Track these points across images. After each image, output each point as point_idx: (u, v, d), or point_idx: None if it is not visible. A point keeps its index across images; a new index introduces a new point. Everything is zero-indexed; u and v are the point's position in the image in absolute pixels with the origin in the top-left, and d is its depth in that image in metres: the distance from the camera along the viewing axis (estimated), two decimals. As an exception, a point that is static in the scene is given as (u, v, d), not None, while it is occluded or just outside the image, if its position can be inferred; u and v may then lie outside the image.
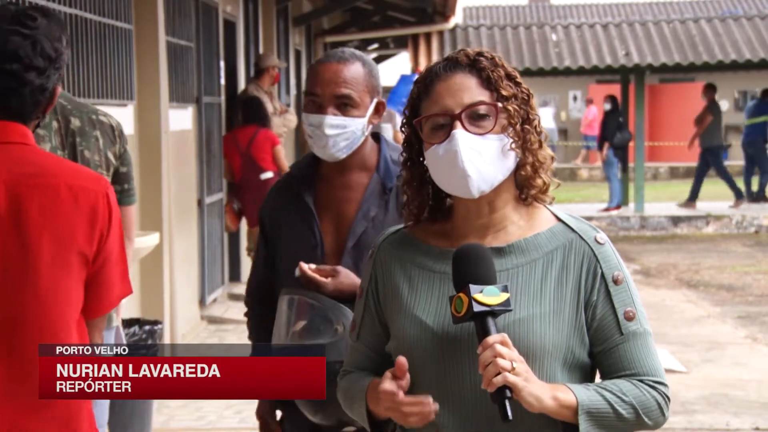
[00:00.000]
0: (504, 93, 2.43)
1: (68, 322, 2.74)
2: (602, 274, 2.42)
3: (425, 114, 2.45)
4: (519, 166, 2.44)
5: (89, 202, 2.76)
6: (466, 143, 2.39)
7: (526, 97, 2.46)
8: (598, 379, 2.47)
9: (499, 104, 2.42)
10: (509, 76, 2.46)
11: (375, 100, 3.33)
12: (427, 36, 18.47)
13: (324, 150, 3.28)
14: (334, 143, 3.26)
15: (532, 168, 2.44)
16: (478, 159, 2.39)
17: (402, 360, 2.35)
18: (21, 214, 2.70)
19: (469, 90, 2.42)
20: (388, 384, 2.36)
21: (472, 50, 2.48)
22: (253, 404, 3.52)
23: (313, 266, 3.21)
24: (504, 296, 2.31)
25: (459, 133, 2.39)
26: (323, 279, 3.19)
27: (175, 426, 7.09)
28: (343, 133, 3.26)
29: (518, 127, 2.43)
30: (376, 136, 3.41)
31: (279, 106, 11.63)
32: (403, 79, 17.38)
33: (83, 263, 2.74)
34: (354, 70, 3.29)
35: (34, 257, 2.70)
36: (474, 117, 2.41)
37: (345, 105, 3.26)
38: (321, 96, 3.27)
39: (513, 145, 2.42)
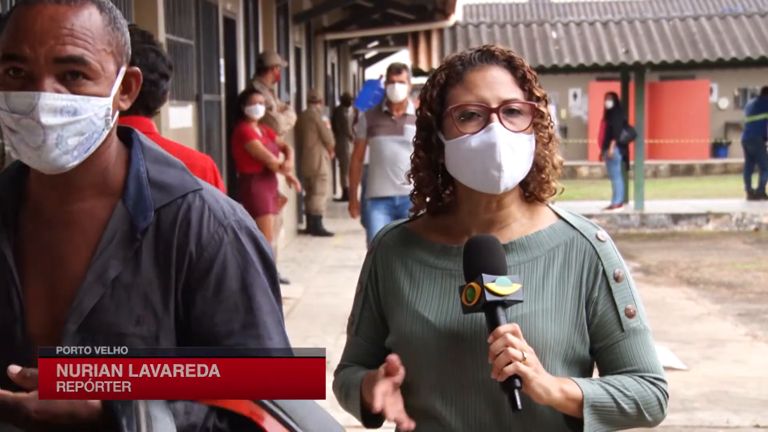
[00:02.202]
0: (537, 94, 2.43)
1: None
2: (603, 272, 2.43)
3: (457, 101, 2.41)
4: (539, 168, 2.45)
5: (201, 174, 3.42)
6: (503, 138, 2.37)
7: (545, 102, 2.47)
8: (595, 375, 2.48)
9: (534, 104, 2.41)
10: (535, 79, 2.46)
11: (123, 69, 2.03)
12: (427, 34, 18.45)
13: (40, 154, 1.95)
14: (58, 141, 1.94)
15: (549, 171, 2.46)
16: (512, 155, 2.37)
17: (393, 358, 2.34)
18: None
19: (506, 85, 2.41)
20: (381, 378, 2.33)
21: (503, 47, 2.47)
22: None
23: (17, 369, 1.88)
24: (516, 287, 2.31)
25: (497, 126, 2.37)
26: (23, 395, 1.87)
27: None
28: (73, 122, 1.95)
29: (549, 130, 2.44)
30: (127, 132, 2.12)
31: (279, 103, 11.64)
32: (369, 83, 17.25)
33: None
34: (87, 18, 1.96)
35: None
36: (509, 113, 2.40)
37: (75, 74, 1.95)
38: (31, 60, 1.93)
39: (539, 147, 2.43)
